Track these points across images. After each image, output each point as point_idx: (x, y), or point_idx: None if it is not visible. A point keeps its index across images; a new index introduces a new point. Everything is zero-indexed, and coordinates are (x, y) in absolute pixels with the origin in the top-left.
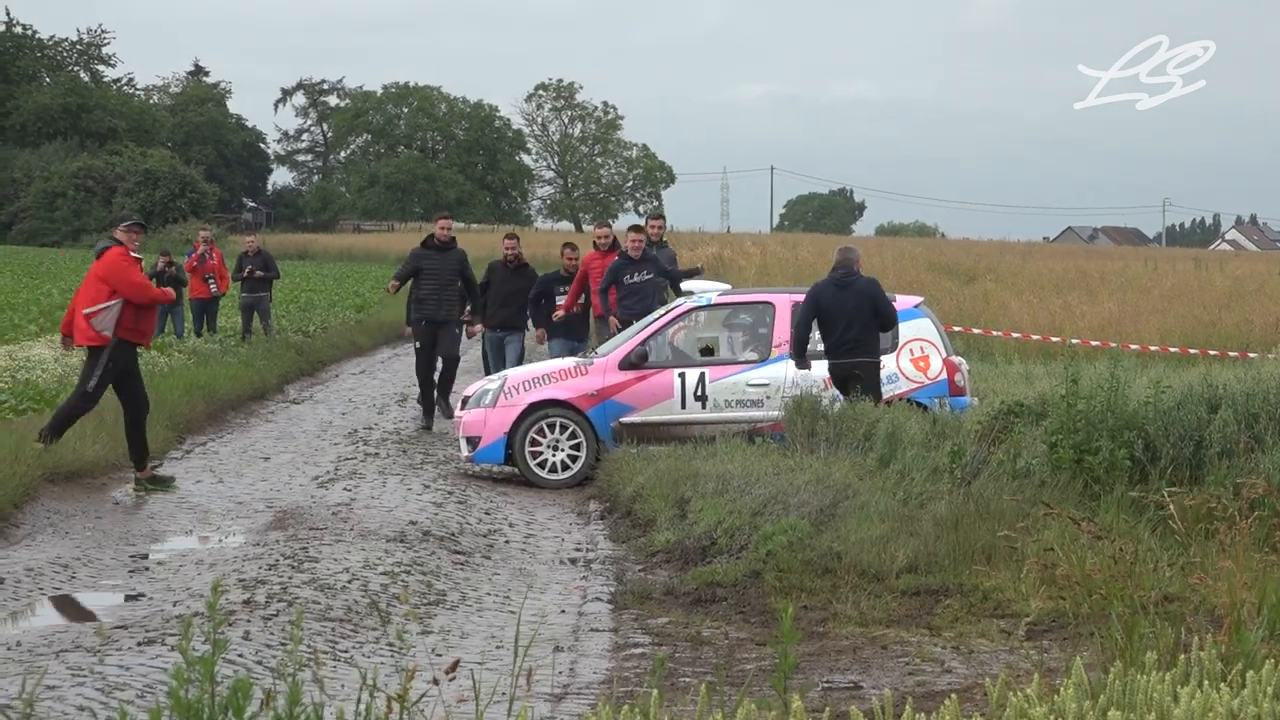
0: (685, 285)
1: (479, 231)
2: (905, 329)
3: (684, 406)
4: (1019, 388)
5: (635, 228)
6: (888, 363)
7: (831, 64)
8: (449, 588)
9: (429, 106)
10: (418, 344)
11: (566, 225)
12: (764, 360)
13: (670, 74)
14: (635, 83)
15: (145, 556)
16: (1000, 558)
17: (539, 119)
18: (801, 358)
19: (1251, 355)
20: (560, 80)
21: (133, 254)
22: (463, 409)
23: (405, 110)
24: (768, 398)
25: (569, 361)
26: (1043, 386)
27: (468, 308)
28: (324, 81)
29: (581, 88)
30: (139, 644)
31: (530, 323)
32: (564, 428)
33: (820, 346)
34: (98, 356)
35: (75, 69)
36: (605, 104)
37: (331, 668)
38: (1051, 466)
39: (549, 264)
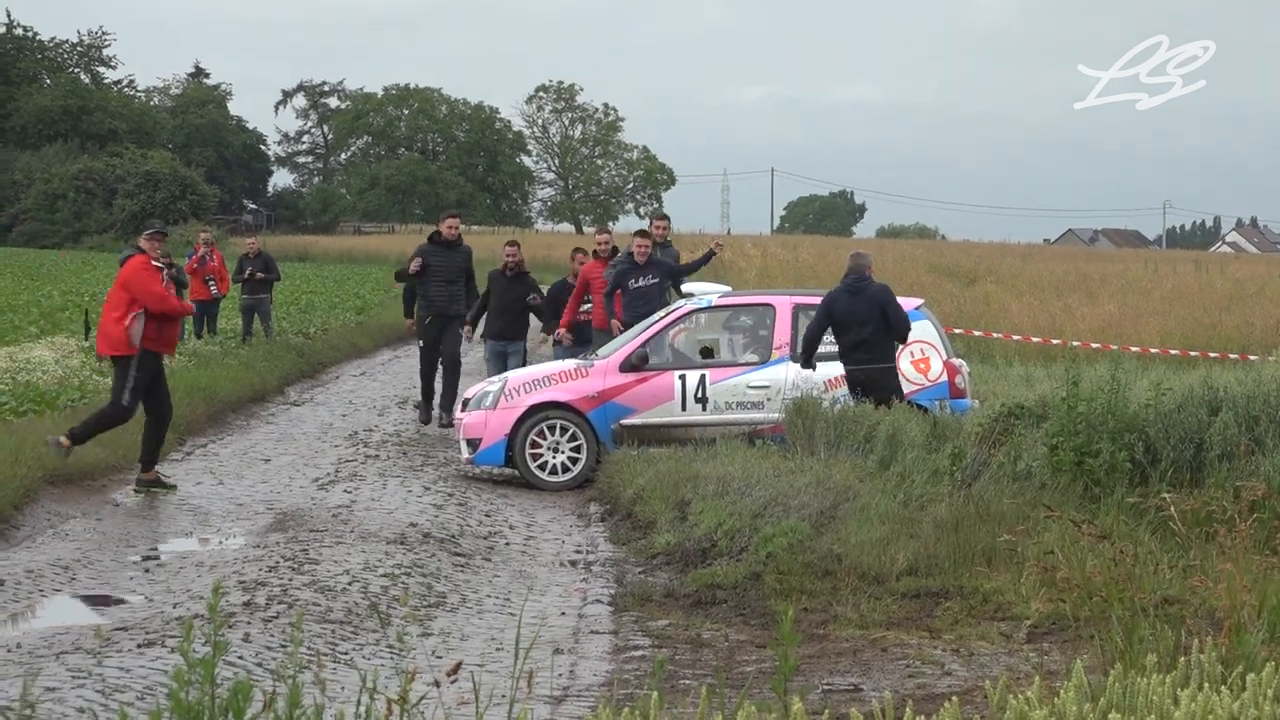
0: (685, 287)
1: (479, 233)
2: None
3: (684, 408)
4: (1019, 390)
5: (641, 233)
6: None
7: (832, 66)
8: (449, 590)
9: (429, 108)
10: (421, 341)
11: (567, 227)
12: (764, 362)
13: (670, 75)
14: (635, 83)
15: (145, 558)
16: (1001, 560)
17: (539, 121)
18: (809, 362)
19: (1252, 358)
20: (561, 82)
21: (154, 263)
22: (463, 411)
23: (406, 112)
24: (768, 400)
25: (569, 363)
26: (1043, 389)
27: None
28: (324, 83)
29: (582, 89)
30: (139, 646)
31: (544, 329)
32: (564, 430)
33: (829, 349)
34: (125, 369)
35: (76, 71)
36: (606, 106)
37: (332, 670)
38: (1052, 469)
39: (548, 266)
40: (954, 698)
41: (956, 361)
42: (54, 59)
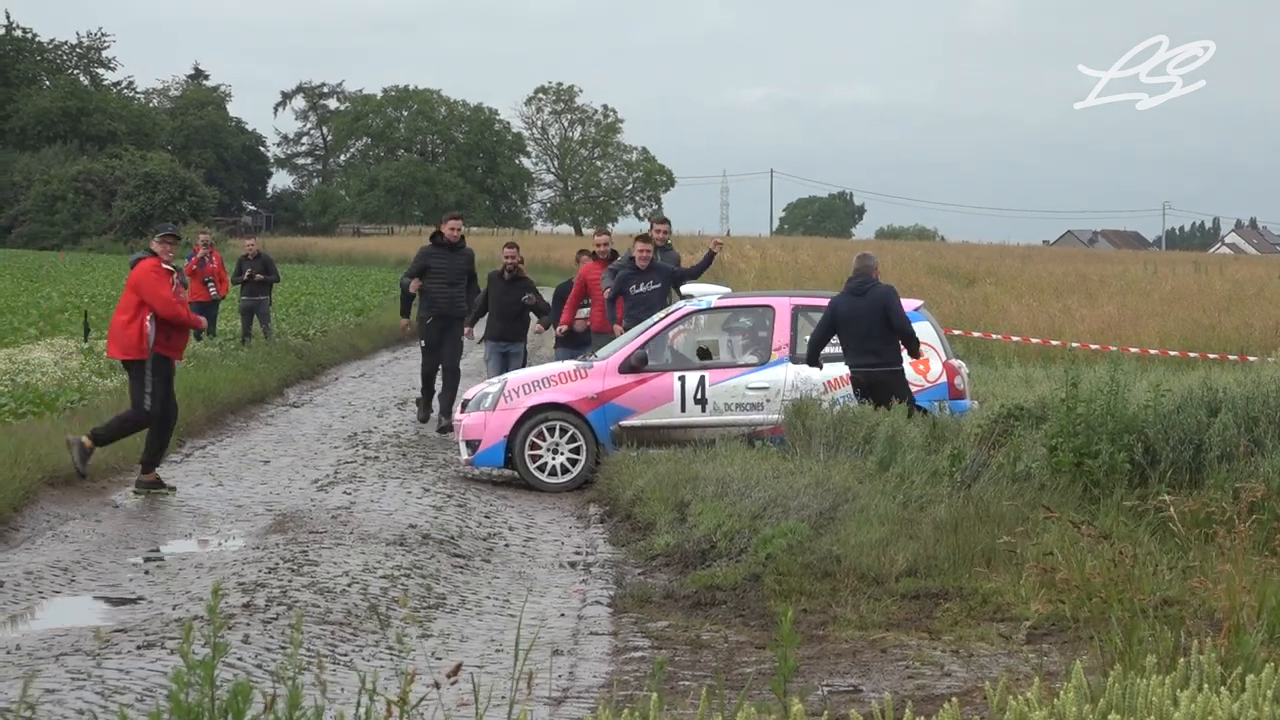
0: (685, 289)
1: (479, 235)
2: None
3: (684, 410)
4: (1019, 391)
5: (642, 237)
6: None
7: (831, 67)
8: (448, 591)
9: (429, 110)
10: (423, 342)
11: (566, 229)
12: (764, 363)
13: (670, 76)
14: (635, 84)
15: (145, 560)
16: (1000, 561)
17: (539, 122)
18: (814, 361)
19: (1251, 359)
20: (560, 83)
21: (165, 266)
22: (462, 412)
23: (405, 114)
24: (767, 401)
25: (569, 365)
26: (1042, 390)
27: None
28: (324, 85)
29: (581, 91)
30: (138, 647)
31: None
32: (564, 431)
33: (835, 349)
34: (140, 374)
35: (75, 72)
36: (605, 107)
37: (331, 671)
38: (1051, 470)
39: (548, 267)
40: (953, 699)
41: (956, 363)
42: (53, 60)
